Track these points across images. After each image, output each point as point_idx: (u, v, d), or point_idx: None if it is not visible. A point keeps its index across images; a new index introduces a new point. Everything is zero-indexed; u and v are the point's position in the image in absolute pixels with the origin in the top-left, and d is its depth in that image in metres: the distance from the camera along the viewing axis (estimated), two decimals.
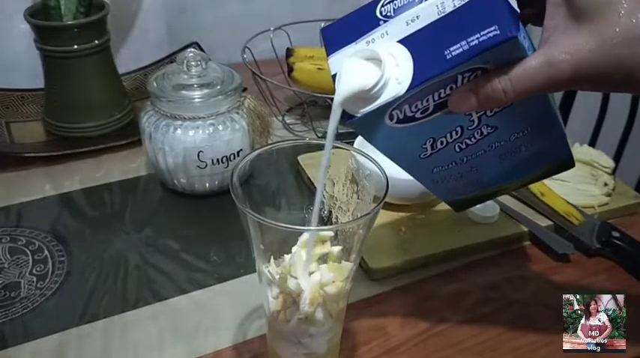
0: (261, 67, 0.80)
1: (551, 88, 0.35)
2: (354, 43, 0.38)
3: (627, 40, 0.33)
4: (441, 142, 0.41)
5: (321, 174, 0.38)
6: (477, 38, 0.33)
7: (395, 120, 0.38)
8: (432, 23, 0.35)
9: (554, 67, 0.34)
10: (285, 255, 0.40)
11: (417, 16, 0.35)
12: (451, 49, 0.34)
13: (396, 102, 0.36)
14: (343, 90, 0.36)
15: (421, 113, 0.37)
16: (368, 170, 0.41)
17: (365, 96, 0.36)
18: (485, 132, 0.41)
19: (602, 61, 0.33)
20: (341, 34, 0.38)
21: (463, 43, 0.34)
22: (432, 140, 0.40)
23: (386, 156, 0.42)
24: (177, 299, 0.54)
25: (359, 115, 0.37)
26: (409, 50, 0.35)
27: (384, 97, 0.36)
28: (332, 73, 0.38)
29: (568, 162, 0.47)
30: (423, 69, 0.35)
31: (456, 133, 0.40)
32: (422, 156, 0.42)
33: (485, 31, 0.33)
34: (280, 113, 0.83)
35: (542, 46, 0.35)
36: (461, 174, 0.45)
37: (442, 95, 0.36)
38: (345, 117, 0.38)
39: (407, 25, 0.36)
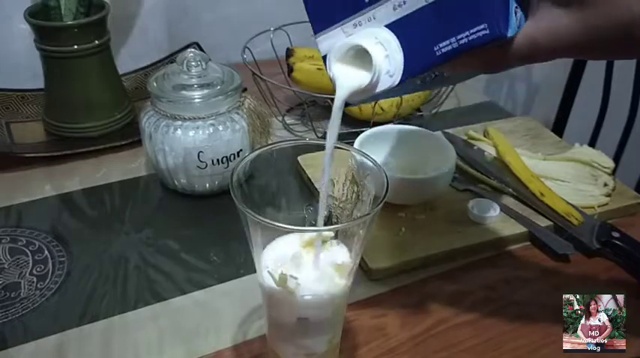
0: (261, 67, 0.80)
1: (531, 62, 0.36)
2: (340, 24, 0.38)
3: (612, 22, 0.33)
4: None
5: (326, 165, 0.39)
6: (467, 36, 0.34)
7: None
8: (419, 10, 0.35)
9: (534, 49, 0.35)
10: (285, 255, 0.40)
11: (404, 1, 0.35)
12: (440, 45, 0.34)
13: (387, 90, 0.37)
14: (341, 93, 0.37)
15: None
16: (368, 170, 0.41)
17: (359, 91, 0.37)
18: None
19: (584, 42, 0.34)
20: (326, 10, 0.38)
21: (452, 40, 0.34)
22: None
23: None
24: (177, 300, 0.54)
25: (354, 104, 0.39)
26: (398, 37, 0.36)
27: (378, 89, 0.37)
28: (322, 54, 0.38)
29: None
30: (413, 63, 0.36)
31: None
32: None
33: (475, 29, 0.33)
34: (280, 113, 0.83)
35: (529, 18, 0.35)
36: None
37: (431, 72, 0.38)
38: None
39: (394, 9, 0.36)
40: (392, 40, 0.36)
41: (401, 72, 0.36)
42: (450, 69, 0.38)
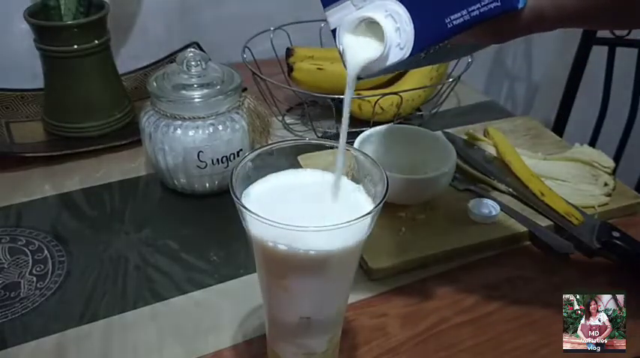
0: (261, 67, 0.80)
1: (538, 32, 0.36)
2: None
3: None
4: None
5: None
6: (478, 9, 0.34)
7: None
8: None
9: (541, 19, 0.35)
10: None
11: None
12: (452, 17, 0.34)
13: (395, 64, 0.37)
14: (353, 67, 0.37)
15: None
16: (368, 170, 0.41)
17: (369, 64, 0.37)
18: None
19: (589, 12, 0.34)
20: None
21: (464, 12, 0.34)
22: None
23: None
24: (177, 299, 0.54)
25: (364, 78, 0.39)
26: (408, 9, 0.35)
27: (389, 62, 0.37)
28: (331, 28, 0.38)
29: None
30: (424, 36, 0.35)
31: None
32: None
33: (487, 1, 0.33)
34: (280, 113, 0.83)
35: None
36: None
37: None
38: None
39: None
40: (402, 13, 0.36)
41: (412, 45, 0.35)
42: (457, 39, 0.38)
